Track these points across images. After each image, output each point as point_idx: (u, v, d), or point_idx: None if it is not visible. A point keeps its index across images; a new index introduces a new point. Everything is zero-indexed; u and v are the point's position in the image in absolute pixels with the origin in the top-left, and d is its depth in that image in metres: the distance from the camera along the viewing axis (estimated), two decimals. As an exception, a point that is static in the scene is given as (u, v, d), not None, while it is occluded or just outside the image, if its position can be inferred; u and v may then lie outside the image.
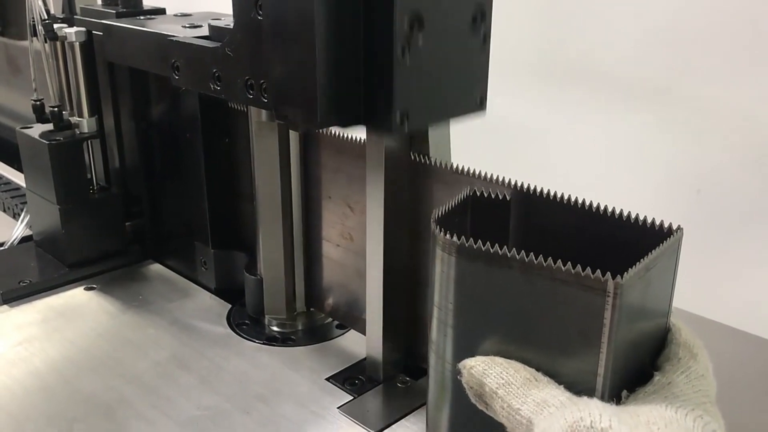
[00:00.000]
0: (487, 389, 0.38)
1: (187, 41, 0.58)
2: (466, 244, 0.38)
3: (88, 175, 0.78)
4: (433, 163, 0.53)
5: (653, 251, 0.37)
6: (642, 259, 0.36)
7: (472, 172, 0.50)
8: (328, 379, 0.59)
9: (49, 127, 0.76)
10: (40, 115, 0.77)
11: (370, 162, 0.54)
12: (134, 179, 0.79)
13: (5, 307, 0.71)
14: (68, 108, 0.77)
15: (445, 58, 0.50)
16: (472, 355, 0.40)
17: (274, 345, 0.64)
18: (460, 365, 0.40)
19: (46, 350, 0.63)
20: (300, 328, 0.67)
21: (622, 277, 0.34)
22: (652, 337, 0.40)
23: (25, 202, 0.89)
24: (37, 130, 0.76)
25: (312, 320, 0.68)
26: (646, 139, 1.07)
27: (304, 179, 0.64)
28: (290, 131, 0.62)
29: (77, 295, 0.73)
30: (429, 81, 0.49)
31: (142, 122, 0.76)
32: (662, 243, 0.37)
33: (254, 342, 0.65)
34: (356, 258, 0.61)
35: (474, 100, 0.54)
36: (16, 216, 0.90)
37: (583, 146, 1.20)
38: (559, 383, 0.37)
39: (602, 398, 0.36)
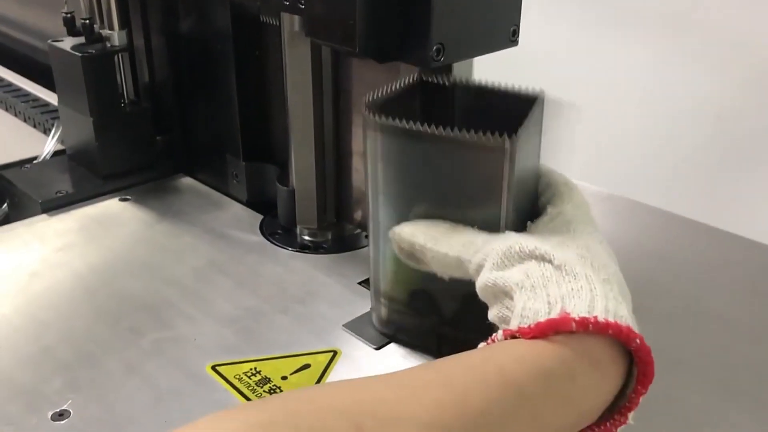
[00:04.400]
0: (417, 246, 0.45)
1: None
2: (387, 123, 0.45)
3: (119, 90, 0.79)
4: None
5: (530, 114, 0.45)
6: (524, 121, 0.44)
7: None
8: (360, 283, 0.61)
9: (80, 40, 0.77)
10: (71, 28, 0.77)
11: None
12: (164, 93, 0.80)
13: (44, 216, 0.73)
14: (98, 21, 0.78)
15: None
16: (401, 218, 0.47)
17: (306, 252, 0.67)
18: (390, 233, 0.47)
19: (87, 255, 0.66)
20: (330, 237, 0.69)
21: (515, 136, 0.42)
22: (533, 182, 0.49)
23: (56, 118, 0.91)
24: (68, 43, 0.77)
25: (342, 230, 0.70)
26: (666, 67, 1.06)
27: (334, 91, 0.65)
28: (323, 42, 0.62)
29: (112, 206, 0.75)
30: (465, 15, 0.51)
31: (171, 36, 0.77)
32: (533, 108, 0.46)
33: (287, 249, 0.67)
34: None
35: (507, 34, 0.55)
36: (46, 131, 0.91)
37: (601, 73, 1.20)
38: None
39: None
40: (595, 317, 0.36)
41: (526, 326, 0.37)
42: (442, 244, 0.44)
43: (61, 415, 0.47)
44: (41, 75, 1.05)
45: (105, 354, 0.53)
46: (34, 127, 0.94)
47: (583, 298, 0.37)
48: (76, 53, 0.74)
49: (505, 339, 0.38)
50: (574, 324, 0.36)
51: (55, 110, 0.95)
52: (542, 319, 0.37)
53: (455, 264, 0.44)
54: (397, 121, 0.44)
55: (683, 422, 0.48)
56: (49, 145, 0.86)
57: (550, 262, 0.40)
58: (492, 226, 0.45)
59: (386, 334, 0.54)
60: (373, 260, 0.52)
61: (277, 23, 0.65)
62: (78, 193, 0.76)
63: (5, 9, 1.25)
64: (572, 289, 0.38)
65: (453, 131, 0.43)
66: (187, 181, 0.81)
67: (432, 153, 0.45)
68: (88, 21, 0.75)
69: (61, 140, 0.87)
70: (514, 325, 0.38)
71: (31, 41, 1.16)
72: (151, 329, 0.55)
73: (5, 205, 0.82)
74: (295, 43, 0.62)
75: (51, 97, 1.01)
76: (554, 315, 0.37)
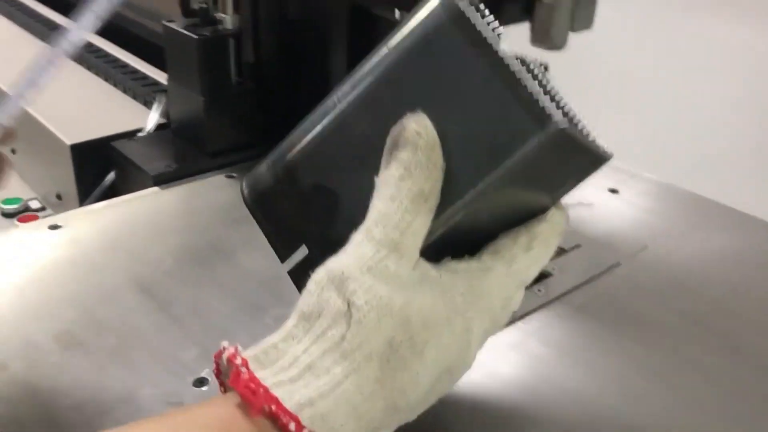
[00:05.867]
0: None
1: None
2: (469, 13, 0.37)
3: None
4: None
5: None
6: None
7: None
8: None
9: (193, 21, 0.80)
10: (186, 9, 0.81)
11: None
12: (270, 75, 0.83)
13: (155, 189, 0.77)
14: (211, 2, 0.81)
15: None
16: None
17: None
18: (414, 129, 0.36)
19: (201, 230, 0.70)
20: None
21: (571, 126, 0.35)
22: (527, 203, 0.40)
23: (156, 91, 0.95)
24: (180, 23, 0.80)
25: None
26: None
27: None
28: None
29: (219, 182, 0.79)
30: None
31: (281, 19, 0.80)
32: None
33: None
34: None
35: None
36: (147, 104, 0.95)
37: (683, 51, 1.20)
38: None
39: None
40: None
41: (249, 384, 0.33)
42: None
43: (201, 382, 0.51)
44: (141, 49, 1.09)
45: (233, 327, 0.57)
46: (134, 98, 0.99)
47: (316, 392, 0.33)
48: (192, 35, 0.77)
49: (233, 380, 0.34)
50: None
51: (154, 83, 1.00)
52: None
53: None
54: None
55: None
56: (152, 118, 0.90)
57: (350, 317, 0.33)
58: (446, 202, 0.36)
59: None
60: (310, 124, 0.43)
61: (393, 17, 0.68)
62: (187, 168, 0.80)
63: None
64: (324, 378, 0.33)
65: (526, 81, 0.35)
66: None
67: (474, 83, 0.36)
68: (205, 4, 0.78)
69: (164, 114, 0.91)
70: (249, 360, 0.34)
71: (130, 15, 1.20)
72: (272, 305, 0.59)
73: (112, 173, 0.87)
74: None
75: (148, 70, 1.05)
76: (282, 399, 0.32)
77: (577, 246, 0.68)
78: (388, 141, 0.37)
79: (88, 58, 1.10)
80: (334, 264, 0.36)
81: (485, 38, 0.36)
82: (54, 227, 0.69)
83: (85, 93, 1.01)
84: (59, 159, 0.88)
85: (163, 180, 0.78)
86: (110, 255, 0.65)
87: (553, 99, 0.37)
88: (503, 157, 0.35)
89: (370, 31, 0.72)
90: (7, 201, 0.97)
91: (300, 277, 0.40)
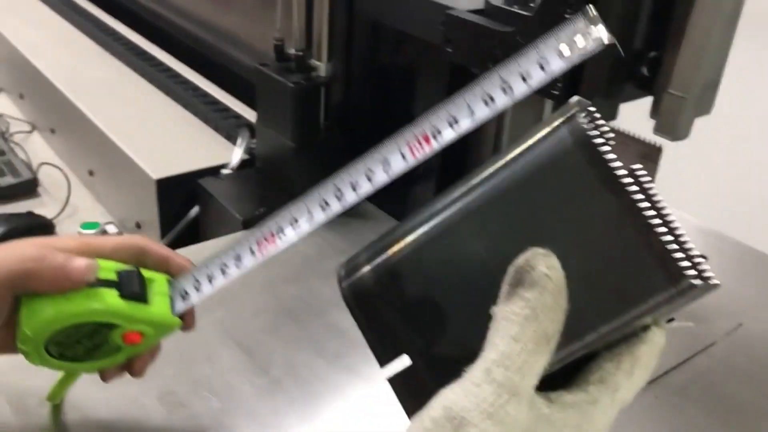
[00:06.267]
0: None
1: (469, 18, 0.61)
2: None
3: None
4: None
5: None
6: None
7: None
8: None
9: (286, 65, 0.81)
10: (279, 54, 0.81)
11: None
12: (358, 123, 0.84)
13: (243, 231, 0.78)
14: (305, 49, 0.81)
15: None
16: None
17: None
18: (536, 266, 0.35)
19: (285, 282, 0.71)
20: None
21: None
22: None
23: (238, 126, 0.96)
24: (274, 67, 0.81)
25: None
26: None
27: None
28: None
29: (305, 228, 0.80)
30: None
31: (373, 69, 0.80)
32: None
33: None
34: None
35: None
36: (229, 138, 0.96)
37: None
38: None
39: None
40: None
41: None
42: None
43: None
44: (226, 81, 1.10)
45: (329, 391, 0.57)
46: (216, 131, 0.99)
47: None
48: (288, 83, 0.78)
49: None
50: None
51: (236, 116, 1.00)
52: None
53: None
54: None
55: None
56: (237, 154, 0.91)
57: None
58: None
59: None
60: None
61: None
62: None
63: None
64: None
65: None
66: (372, 209, 0.85)
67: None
68: (302, 53, 0.78)
69: (247, 150, 0.92)
70: None
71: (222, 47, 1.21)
72: (364, 366, 0.60)
73: (196, 208, 0.88)
74: (520, 109, 0.64)
75: (230, 101, 1.06)
76: None
77: (671, 320, 0.67)
78: (511, 273, 0.35)
79: (168, 83, 1.11)
80: (451, 403, 0.35)
81: (616, 175, 0.34)
82: (148, 272, 0.70)
83: (168, 123, 1.02)
84: (143, 190, 0.89)
85: (251, 224, 0.78)
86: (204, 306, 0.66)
87: (676, 239, 0.35)
88: (629, 304, 0.34)
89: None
90: (85, 225, 0.98)
91: (401, 386, 0.40)
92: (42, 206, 1.03)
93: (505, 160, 0.38)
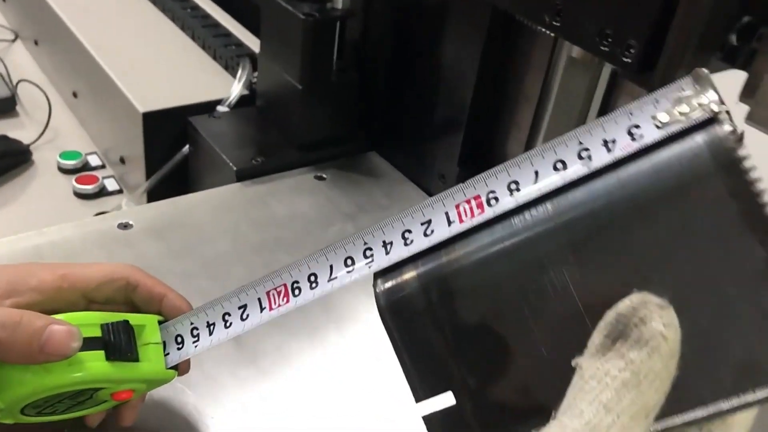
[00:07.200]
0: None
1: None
2: None
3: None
4: None
5: None
6: None
7: None
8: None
9: (297, -7, 0.70)
10: (289, -22, 0.70)
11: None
12: (376, 65, 0.73)
13: (237, 185, 0.69)
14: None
15: None
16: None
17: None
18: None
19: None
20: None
21: None
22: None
23: (240, 55, 0.85)
24: (283, -6, 0.70)
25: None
26: None
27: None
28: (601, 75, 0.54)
29: (307, 182, 0.70)
30: None
31: (398, 8, 0.69)
32: None
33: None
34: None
35: None
36: (228, 69, 0.85)
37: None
38: None
39: None
40: None
41: None
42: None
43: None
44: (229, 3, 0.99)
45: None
46: (214, 59, 0.88)
47: None
48: (299, 14, 0.67)
49: None
50: None
51: (237, 44, 0.89)
52: None
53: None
54: None
55: None
56: (235, 89, 0.81)
57: None
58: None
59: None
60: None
61: (553, 36, 0.57)
62: (273, 162, 0.71)
63: None
64: None
65: None
66: (382, 164, 0.75)
67: None
68: (317, -20, 0.67)
69: (247, 85, 0.81)
70: None
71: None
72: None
73: (186, 148, 0.78)
74: (572, 71, 0.54)
75: (230, 24, 0.95)
76: None
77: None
78: (610, 320, 0.27)
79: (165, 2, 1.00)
80: None
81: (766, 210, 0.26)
82: (125, 226, 0.61)
83: (161, 45, 0.91)
84: (129, 123, 0.79)
85: (246, 176, 0.69)
86: (186, 273, 0.57)
87: None
88: (753, 384, 0.27)
89: (511, 43, 0.61)
90: (65, 155, 0.88)
91: (437, 426, 0.33)
92: (19, 128, 0.93)
93: (617, 175, 0.29)
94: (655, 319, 0.26)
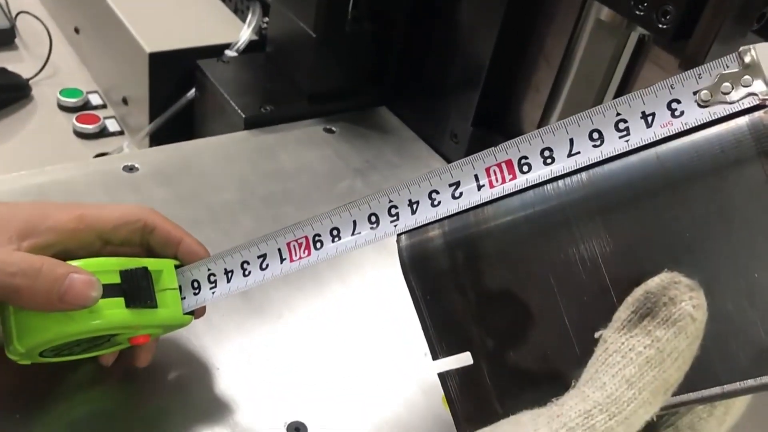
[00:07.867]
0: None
1: None
2: None
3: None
4: None
5: None
6: None
7: None
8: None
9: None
10: None
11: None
12: (391, 17, 0.71)
13: (244, 133, 0.67)
14: None
15: None
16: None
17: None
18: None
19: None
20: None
21: None
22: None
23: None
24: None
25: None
26: None
27: (620, 92, 0.56)
28: (629, 40, 0.53)
29: (316, 134, 0.69)
30: None
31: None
32: None
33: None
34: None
35: None
36: (237, 12, 0.83)
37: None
38: None
39: None
40: None
41: None
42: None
43: (297, 430, 0.44)
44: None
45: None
46: (224, 1, 0.86)
47: None
48: (316, -42, 0.65)
49: None
50: None
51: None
52: None
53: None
54: None
55: None
56: (244, 34, 0.79)
57: None
58: None
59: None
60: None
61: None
62: (282, 111, 0.69)
63: None
64: None
65: None
66: (393, 120, 0.73)
67: None
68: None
69: (257, 30, 0.79)
70: None
71: None
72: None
73: (193, 91, 0.76)
74: (599, 34, 0.53)
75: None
76: None
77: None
78: (638, 296, 0.27)
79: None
80: None
81: None
82: (131, 169, 0.59)
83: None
84: (134, 62, 0.77)
85: (254, 124, 0.68)
86: (189, 221, 0.56)
87: None
88: None
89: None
90: (66, 92, 0.86)
91: (455, 386, 0.33)
92: (18, 61, 0.91)
93: (657, 154, 0.28)
94: (685, 300, 0.26)
